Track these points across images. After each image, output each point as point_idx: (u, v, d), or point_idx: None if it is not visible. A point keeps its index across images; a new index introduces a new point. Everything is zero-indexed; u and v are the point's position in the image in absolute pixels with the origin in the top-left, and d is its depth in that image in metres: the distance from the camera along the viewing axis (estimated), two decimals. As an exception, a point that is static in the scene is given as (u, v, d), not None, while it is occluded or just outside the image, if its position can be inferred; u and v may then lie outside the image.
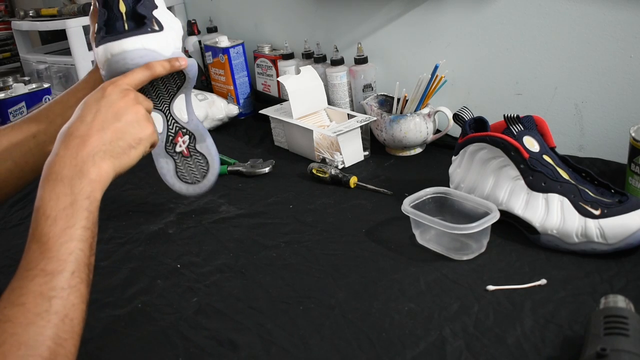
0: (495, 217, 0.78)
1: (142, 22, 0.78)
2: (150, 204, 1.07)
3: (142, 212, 1.05)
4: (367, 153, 1.17)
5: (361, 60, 1.26)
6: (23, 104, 1.43)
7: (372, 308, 0.71)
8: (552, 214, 0.78)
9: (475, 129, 0.89)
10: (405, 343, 0.65)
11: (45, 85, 1.50)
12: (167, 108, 0.85)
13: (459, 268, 0.77)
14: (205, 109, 1.39)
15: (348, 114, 1.20)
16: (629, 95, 0.95)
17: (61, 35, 1.69)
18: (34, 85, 1.49)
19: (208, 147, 0.89)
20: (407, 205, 0.83)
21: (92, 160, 0.63)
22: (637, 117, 0.94)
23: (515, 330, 0.65)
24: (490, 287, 0.72)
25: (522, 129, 0.83)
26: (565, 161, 0.83)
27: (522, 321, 0.66)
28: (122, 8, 0.79)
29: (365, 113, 1.19)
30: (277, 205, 1.02)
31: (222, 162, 1.20)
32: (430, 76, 1.10)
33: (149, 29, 0.77)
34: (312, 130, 1.15)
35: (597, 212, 0.75)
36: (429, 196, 0.87)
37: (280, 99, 1.43)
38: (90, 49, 1.59)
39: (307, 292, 0.76)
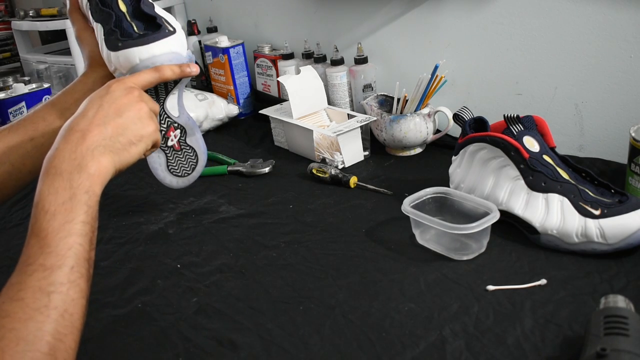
0: (495, 217, 0.78)
1: (153, 22, 0.77)
2: (150, 204, 1.07)
3: (142, 212, 1.05)
4: (367, 153, 1.17)
5: (361, 60, 1.26)
6: (23, 104, 1.43)
7: (372, 308, 0.71)
8: (552, 214, 0.78)
9: (475, 129, 0.89)
10: (405, 343, 0.65)
11: (45, 85, 1.49)
12: (162, 104, 0.85)
13: (459, 268, 0.77)
14: (205, 109, 1.39)
15: (348, 114, 1.20)
16: (629, 95, 0.95)
17: (61, 35, 1.69)
18: (34, 85, 1.48)
19: (197, 140, 0.89)
20: (407, 205, 0.83)
21: (92, 155, 0.63)
22: (637, 117, 0.94)
23: (515, 330, 0.65)
24: (490, 287, 0.72)
25: (522, 129, 0.83)
26: (565, 161, 0.83)
27: (522, 321, 0.66)
28: (123, 7, 0.78)
29: (365, 113, 1.19)
30: (277, 205, 1.02)
31: (222, 162, 1.20)
32: (430, 76, 1.10)
33: (167, 31, 0.76)
34: (312, 130, 1.15)
35: (597, 212, 0.75)
36: (429, 196, 0.87)
37: (280, 99, 1.43)
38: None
39: (307, 292, 0.76)
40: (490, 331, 0.65)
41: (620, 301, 0.59)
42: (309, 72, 1.25)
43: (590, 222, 0.75)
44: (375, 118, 1.14)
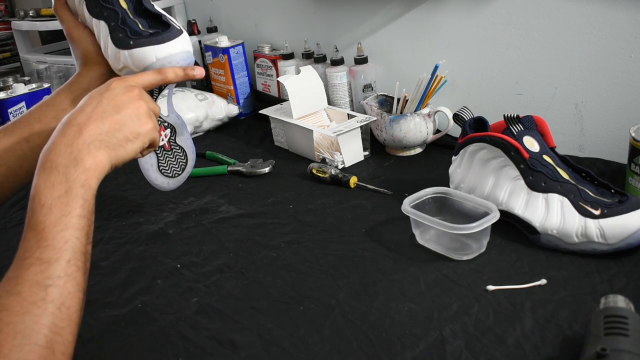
0: (495, 217, 0.78)
1: (157, 20, 0.77)
2: (150, 204, 1.07)
3: (142, 212, 1.05)
4: (367, 153, 1.17)
5: (361, 60, 1.26)
6: (23, 104, 1.43)
7: (372, 308, 0.71)
8: (552, 214, 0.78)
9: (475, 129, 0.89)
10: (405, 343, 0.65)
11: (45, 85, 1.49)
12: None
13: (459, 268, 0.77)
14: (205, 109, 1.39)
15: (348, 114, 1.20)
16: (629, 95, 0.95)
17: (61, 35, 1.67)
18: (34, 85, 1.48)
19: (186, 140, 0.88)
20: (407, 205, 0.83)
21: (88, 149, 0.63)
22: (637, 117, 0.94)
23: (515, 330, 0.65)
24: (490, 287, 0.72)
25: (522, 129, 0.83)
26: (565, 161, 0.83)
27: (522, 321, 0.66)
28: (124, 5, 0.78)
29: (365, 113, 1.19)
30: (277, 205, 1.02)
31: (222, 162, 1.20)
32: (430, 76, 1.10)
33: (177, 29, 0.76)
34: (312, 130, 1.15)
35: (597, 212, 0.75)
36: (429, 196, 0.87)
37: (280, 99, 1.43)
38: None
39: (307, 292, 0.76)
40: (490, 331, 0.65)
41: (620, 301, 0.59)
42: (309, 72, 1.25)
43: (590, 222, 0.75)
44: (375, 118, 1.14)
